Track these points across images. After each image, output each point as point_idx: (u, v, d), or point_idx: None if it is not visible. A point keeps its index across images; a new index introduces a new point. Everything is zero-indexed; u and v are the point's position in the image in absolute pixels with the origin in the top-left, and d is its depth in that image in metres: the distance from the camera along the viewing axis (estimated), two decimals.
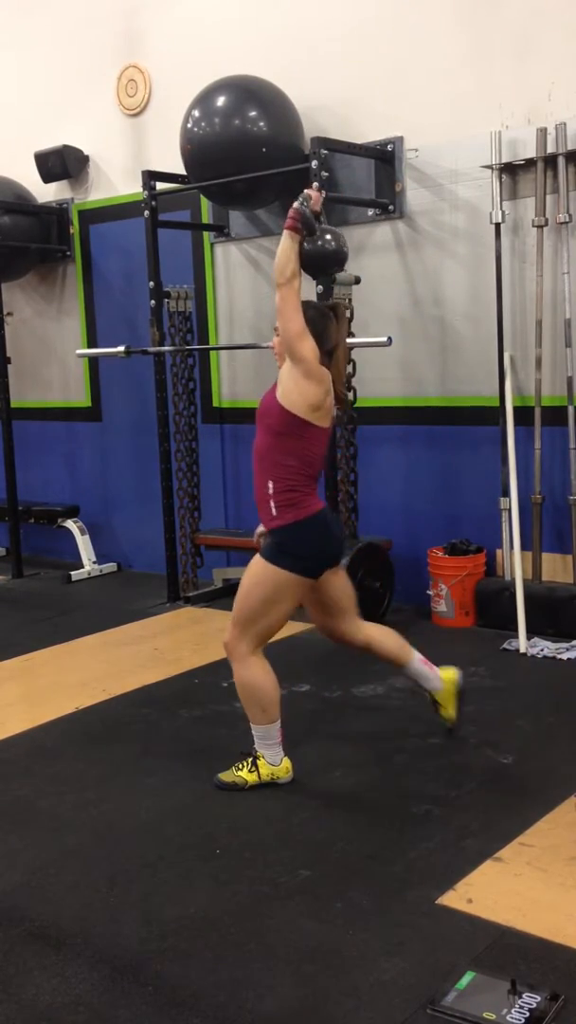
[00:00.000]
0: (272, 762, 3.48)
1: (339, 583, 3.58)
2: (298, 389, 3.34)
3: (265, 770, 3.47)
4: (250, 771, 3.47)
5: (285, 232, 3.37)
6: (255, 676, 3.43)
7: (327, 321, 3.46)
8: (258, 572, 3.43)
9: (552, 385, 5.12)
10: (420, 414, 5.60)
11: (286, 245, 3.34)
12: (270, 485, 3.40)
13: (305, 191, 3.44)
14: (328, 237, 3.56)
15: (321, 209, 3.46)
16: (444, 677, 3.71)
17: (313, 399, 3.35)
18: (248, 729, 3.53)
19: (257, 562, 3.44)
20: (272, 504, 3.41)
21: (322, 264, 3.58)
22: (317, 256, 3.51)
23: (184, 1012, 2.36)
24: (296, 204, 3.38)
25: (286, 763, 3.50)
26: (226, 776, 3.49)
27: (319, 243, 3.49)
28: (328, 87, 5.67)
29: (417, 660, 3.70)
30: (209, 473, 6.35)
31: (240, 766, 3.49)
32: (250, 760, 3.49)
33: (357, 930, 2.64)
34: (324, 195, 3.38)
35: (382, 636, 3.70)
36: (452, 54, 5.26)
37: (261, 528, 3.61)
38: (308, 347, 3.32)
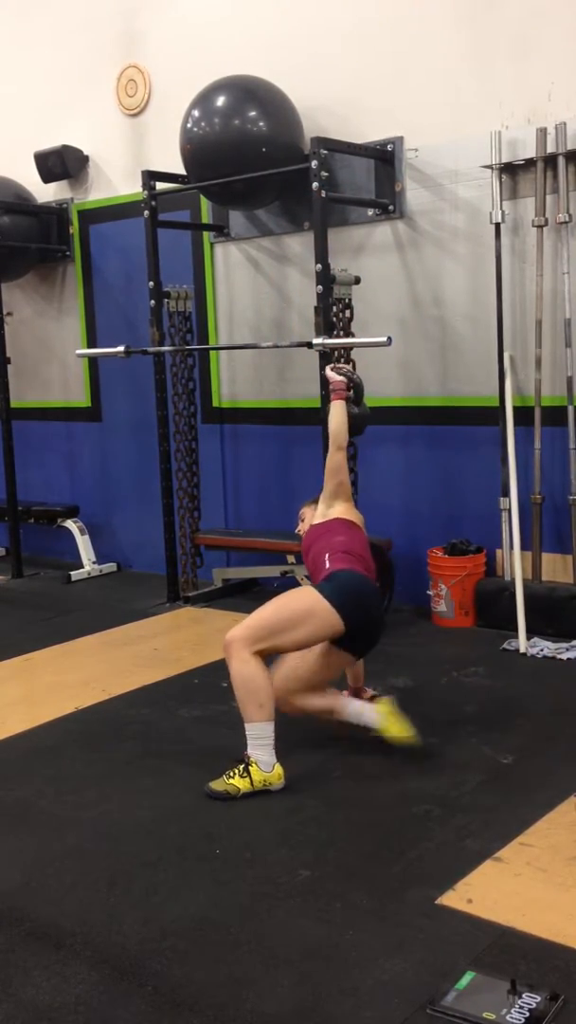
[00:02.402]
0: (265, 768, 3.43)
1: (344, 664, 3.78)
2: (347, 510, 3.94)
3: (258, 776, 3.42)
4: (242, 777, 3.42)
5: (337, 403, 3.96)
6: (255, 672, 3.43)
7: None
8: (299, 591, 3.66)
9: (552, 385, 5.12)
10: (420, 414, 5.60)
11: (341, 413, 3.95)
12: (326, 556, 3.73)
13: (340, 365, 4.09)
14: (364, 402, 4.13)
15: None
16: (379, 710, 3.71)
17: (358, 517, 3.99)
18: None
19: (302, 588, 3.69)
20: (327, 560, 3.69)
21: (361, 426, 4.17)
22: (363, 420, 4.11)
23: (184, 1012, 2.36)
24: (340, 377, 3.99)
25: (278, 769, 3.46)
26: (217, 784, 3.43)
27: (362, 408, 4.07)
28: (328, 87, 5.67)
29: (348, 700, 3.81)
30: (209, 473, 6.35)
31: (232, 773, 3.44)
32: (242, 767, 3.44)
33: (357, 930, 2.64)
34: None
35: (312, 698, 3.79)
36: (452, 54, 5.26)
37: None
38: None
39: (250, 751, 3.45)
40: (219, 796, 3.41)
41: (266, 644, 3.47)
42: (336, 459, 3.93)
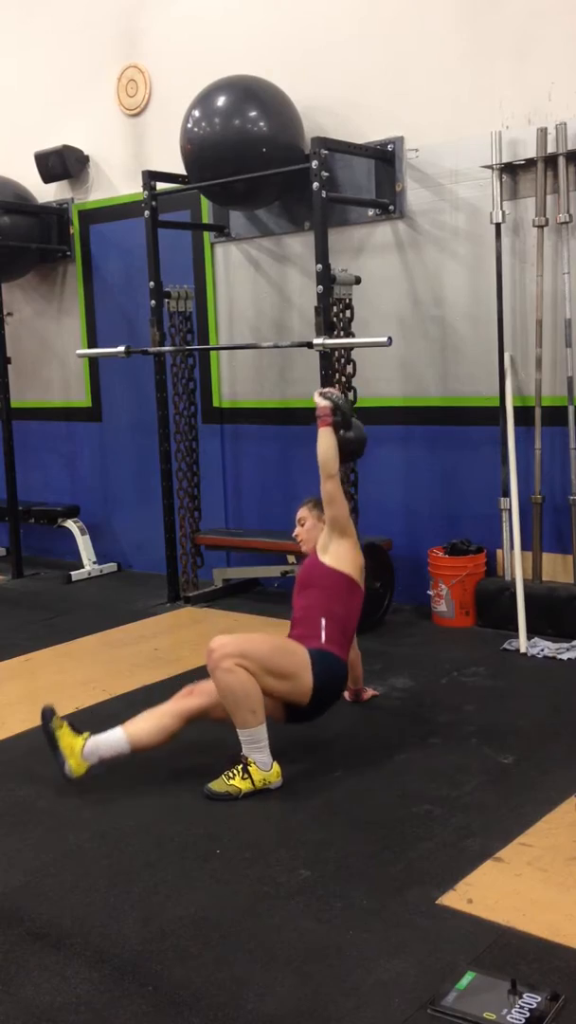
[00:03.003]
0: (263, 768, 3.43)
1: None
2: (351, 557, 3.82)
3: (257, 776, 3.42)
4: (243, 778, 3.41)
5: (323, 430, 3.82)
6: (245, 680, 3.39)
7: None
8: (296, 649, 3.59)
9: (552, 385, 5.12)
10: (420, 414, 5.60)
11: (329, 441, 3.81)
12: (323, 621, 3.68)
13: (327, 390, 3.95)
14: (357, 422, 3.98)
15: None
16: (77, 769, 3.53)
17: (361, 563, 3.86)
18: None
19: (300, 647, 3.59)
20: (323, 628, 3.66)
21: (356, 451, 4.05)
22: (358, 443, 3.99)
23: (184, 1012, 2.36)
24: (325, 403, 3.85)
25: (276, 768, 3.46)
26: (218, 786, 3.43)
27: (353, 433, 3.93)
28: (328, 87, 5.67)
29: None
30: (209, 473, 6.35)
31: (231, 774, 3.43)
32: (240, 767, 3.43)
33: (357, 930, 2.64)
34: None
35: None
36: (452, 54, 5.26)
37: None
38: (353, 526, 3.90)
39: (246, 753, 3.44)
40: (220, 798, 3.40)
41: (248, 665, 3.42)
42: (326, 489, 3.79)
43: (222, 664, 3.40)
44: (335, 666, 3.63)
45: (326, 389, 3.97)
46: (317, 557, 3.86)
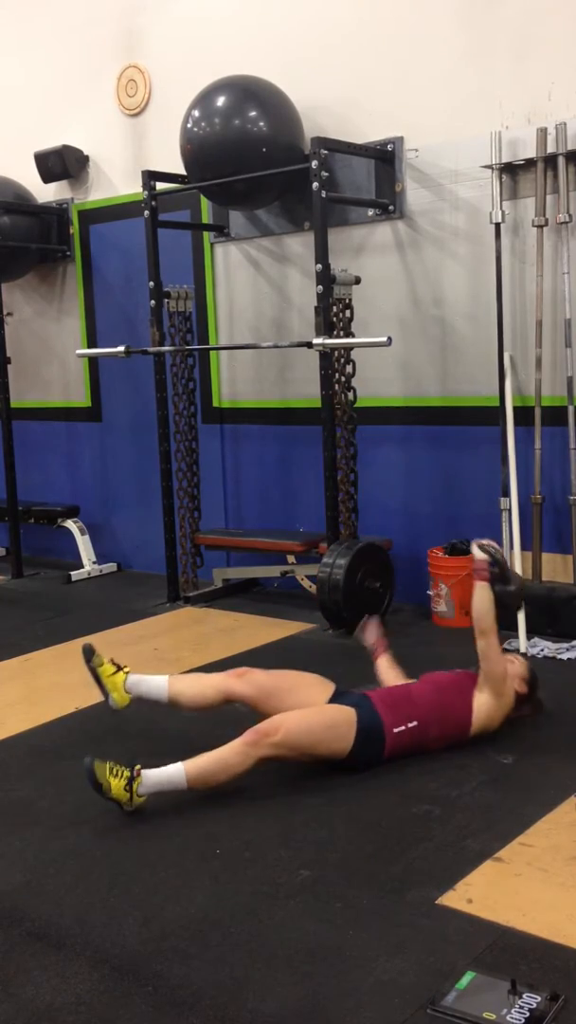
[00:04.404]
0: (140, 792, 3.26)
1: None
2: (488, 715, 3.69)
3: (124, 795, 3.25)
4: (124, 787, 3.25)
5: (479, 584, 3.66)
6: (243, 766, 3.33)
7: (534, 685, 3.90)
8: (343, 720, 3.49)
9: (552, 385, 5.12)
10: (420, 414, 5.61)
11: (485, 596, 3.65)
12: (415, 723, 3.57)
13: (486, 542, 3.72)
14: (515, 573, 3.78)
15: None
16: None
17: (487, 727, 3.72)
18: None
19: (345, 710, 3.50)
20: (407, 726, 3.56)
21: (515, 603, 3.87)
22: (517, 596, 3.81)
23: (184, 1012, 2.36)
24: (483, 555, 3.67)
25: (142, 800, 3.29)
26: (100, 770, 3.24)
27: (513, 586, 3.74)
28: (328, 87, 5.67)
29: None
30: (209, 473, 6.35)
31: (117, 772, 3.26)
32: (130, 775, 3.26)
33: (357, 930, 2.64)
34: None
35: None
36: (452, 54, 5.26)
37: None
38: (511, 687, 3.74)
39: (151, 786, 3.28)
40: (92, 779, 3.24)
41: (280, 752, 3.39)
42: (479, 646, 3.65)
43: (259, 745, 3.32)
44: (375, 746, 3.52)
45: (485, 541, 3.74)
46: (470, 680, 3.74)
